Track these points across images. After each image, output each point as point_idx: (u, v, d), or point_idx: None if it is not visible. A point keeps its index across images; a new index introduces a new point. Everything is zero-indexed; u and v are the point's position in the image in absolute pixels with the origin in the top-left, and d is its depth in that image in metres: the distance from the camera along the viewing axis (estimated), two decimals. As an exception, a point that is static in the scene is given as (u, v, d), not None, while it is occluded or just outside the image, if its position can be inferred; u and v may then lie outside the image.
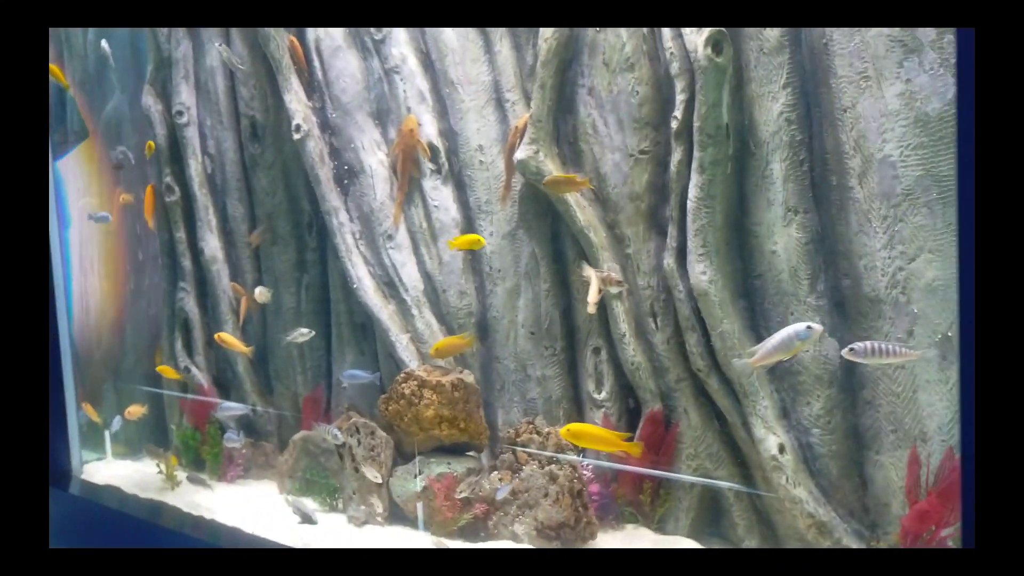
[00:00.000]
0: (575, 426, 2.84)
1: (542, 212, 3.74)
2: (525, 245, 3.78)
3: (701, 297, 3.22)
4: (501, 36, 3.80)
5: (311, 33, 4.22)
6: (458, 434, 3.50)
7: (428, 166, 4.01)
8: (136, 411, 4.63)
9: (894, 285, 2.88)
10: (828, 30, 3.01)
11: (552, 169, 3.56)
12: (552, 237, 3.75)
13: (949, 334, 2.80)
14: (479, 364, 3.90)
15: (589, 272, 3.34)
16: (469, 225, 3.97)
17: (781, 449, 3.06)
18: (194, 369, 4.66)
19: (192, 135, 4.63)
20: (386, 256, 4.05)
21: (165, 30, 4.60)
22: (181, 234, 4.72)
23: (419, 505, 3.32)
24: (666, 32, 3.29)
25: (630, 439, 3.07)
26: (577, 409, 3.71)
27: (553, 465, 3.20)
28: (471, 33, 3.87)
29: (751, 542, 3.25)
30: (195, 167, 4.62)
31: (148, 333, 5.10)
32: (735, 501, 3.29)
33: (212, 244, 4.61)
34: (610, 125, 3.52)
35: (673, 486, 3.38)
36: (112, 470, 4.70)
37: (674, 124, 3.27)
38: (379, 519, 3.44)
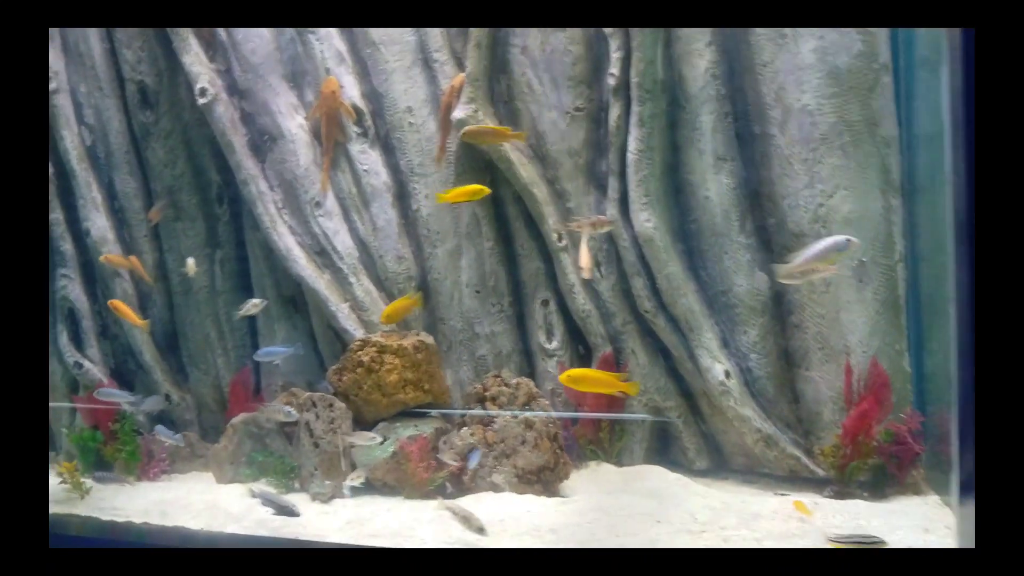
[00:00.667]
0: (574, 372, 2.96)
1: (480, 171, 3.78)
2: (465, 206, 3.81)
3: (647, 243, 3.45)
4: (425, -5, 3.76)
5: (208, -9, 3.91)
6: (422, 396, 3.49)
7: (354, 129, 3.90)
8: None
9: (816, 220, 3.28)
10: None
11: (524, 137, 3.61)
12: (492, 196, 3.81)
13: (863, 260, 3.25)
14: (422, 327, 3.89)
15: (580, 225, 3.37)
16: (401, 189, 3.93)
17: (727, 375, 3.39)
18: (87, 364, 4.21)
19: (64, 103, 4.13)
20: (315, 224, 3.90)
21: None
22: (58, 215, 4.21)
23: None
24: (598, -8, 3.45)
25: (627, 380, 3.22)
26: (527, 361, 3.84)
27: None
28: (392, -9, 3.79)
29: (701, 463, 3.58)
30: (70, 139, 4.13)
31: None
32: (684, 429, 3.60)
33: (99, 224, 4.17)
34: (545, 84, 3.64)
35: (626, 422, 3.62)
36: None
37: (612, 81, 3.46)
38: (346, 492, 3.36)
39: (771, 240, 3.42)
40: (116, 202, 4.23)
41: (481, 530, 2.73)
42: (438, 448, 3.32)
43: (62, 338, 4.25)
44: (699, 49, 3.40)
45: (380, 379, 3.43)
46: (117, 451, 4.04)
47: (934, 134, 2.78)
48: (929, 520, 2.78)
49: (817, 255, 2.61)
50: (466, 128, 3.56)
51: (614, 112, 3.48)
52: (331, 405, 3.42)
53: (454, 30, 3.77)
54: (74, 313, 4.25)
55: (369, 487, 3.45)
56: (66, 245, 4.21)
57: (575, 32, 3.57)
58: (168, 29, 3.89)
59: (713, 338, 3.45)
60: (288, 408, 3.43)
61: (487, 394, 3.41)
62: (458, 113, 3.62)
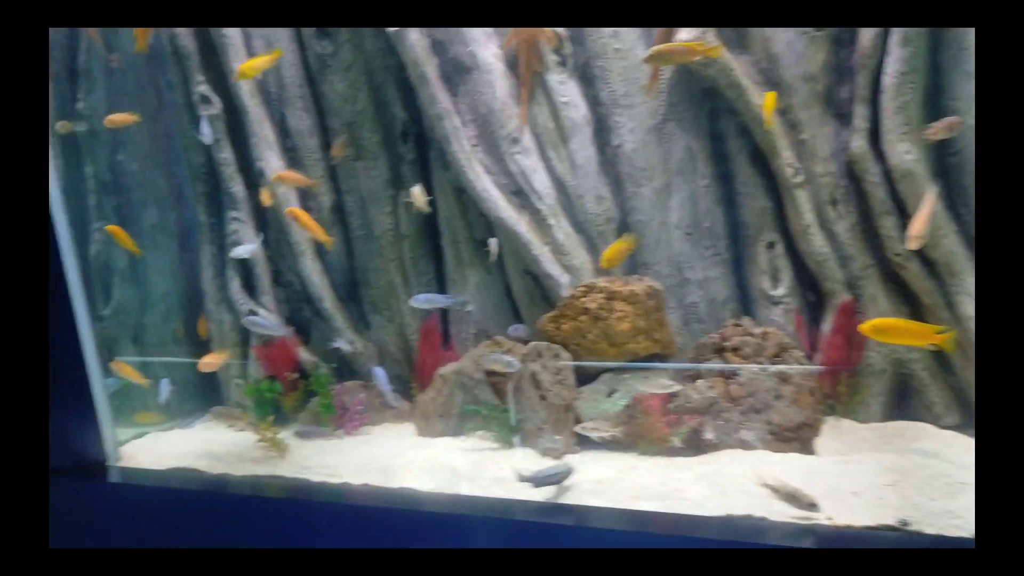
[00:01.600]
0: (880, 321, 2.66)
1: (697, 101, 3.45)
2: (677, 139, 3.49)
3: (905, 177, 3.11)
4: (642, -98, 3.36)
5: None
6: (652, 345, 3.24)
7: (552, 57, 3.57)
8: (215, 361, 3.92)
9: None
10: None
11: (721, 53, 3.26)
12: (710, 131, 3.48)
13: None
14: (621, 272, 3.63)
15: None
16: (601, 123, 3.61)
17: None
18: (262, 311, 4.03)
19: (232, 33, 3.85)
20: (512, 163, 3.62)
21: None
22: (227, 154, 3.98)
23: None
24: None
25: (944, 331, 2.85)
26: (745, 309, 3.56)
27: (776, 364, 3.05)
28: (601, -100, 3.41)
29: (951, 419, 3.29)
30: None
31: (177, 280, 4.37)
32: (931, 382, 3.30)
33: (273, 163, 3.93)
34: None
35: (864, 374, 3.34)
36: (165, 446, 3.79)
37: (872, -7, 3.06)
38: (575, 446, 3.16)
39: (1049, 174, 3.05)
40: (289, 140, 3.98)
41: (813, 506, 2.46)
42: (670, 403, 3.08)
43: (233, 285, 4.07)
44: (974, -45, 2.98)
45: (609, 327, 3.18)
46: (301, 403, 3.90)
47: None
48: None
49: None
50: (652, 50, 3.19)
51: (869, 31, 3.10)
52: (557, 355, 3.19)
53: (673, -58, 3.39)
54: (246, 259, 4.05)
55: (590, 442, 3.23)
56: (236, 187, 3.99)
57: (822, -61, 3.17)
58: (351, -52, 3.55)
59: (974, 283, 3.13)
60: (509, 358, 3.20)
61: (727, 344, 3.15)
62: (683, 35, 3.26)
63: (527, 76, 3.58)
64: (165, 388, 4.04)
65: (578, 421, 3.23)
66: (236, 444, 3.66)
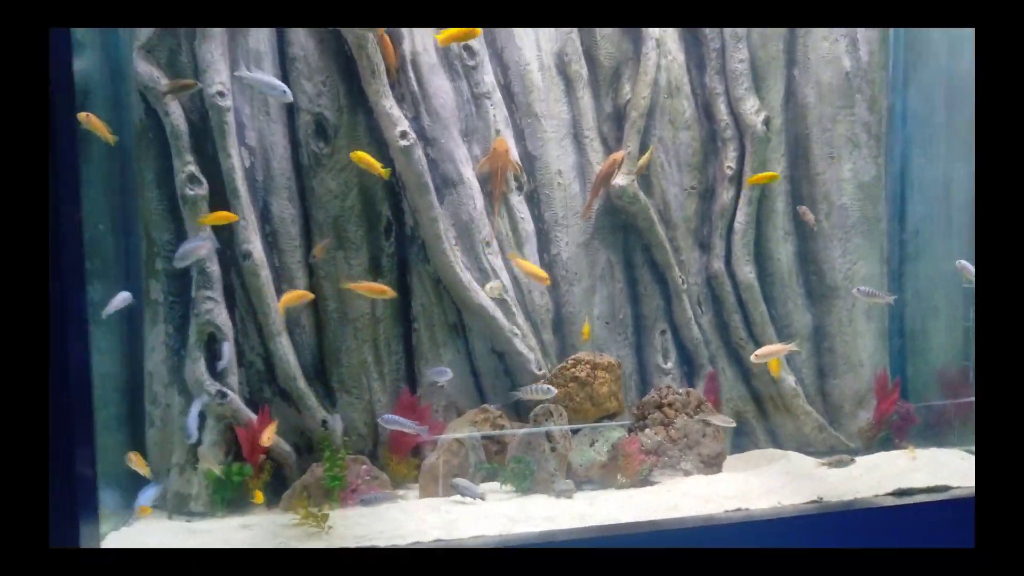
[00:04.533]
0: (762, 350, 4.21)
1: (618, 226, 4.76)
2: (601, 252, 4.74)
3: (746, 289, 4.81)
4: (583, 85, 4.69)
5: (407, 47, 4.29)
6: (619, 405, 4.28)
7: (512, 183, 4.58)
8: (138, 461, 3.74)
9: (845, 278, 4.97)
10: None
11: (640, 196, 4.65)
12: (623, 245, 4.80)
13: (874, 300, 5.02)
14: (555, 352, 4.65)
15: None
16: (545, 236, 4.69)
17: (796, 383, 4.86)
18: (230, 393, 4.01)
19: (230, 122, 4.03)
20: (485, 261, 4.44)
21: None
22: (205, 233, 4.00)
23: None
24: (722, 106, 4.78)
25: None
26: (643, 379, 4.84)
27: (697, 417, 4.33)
28: (555, 76, 4.66)
29: (765, 446, 4.93)
30: (236, 159, 4.02)
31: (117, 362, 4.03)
32: (756, 424, 4.94)
33: (257, 247, 4.09)
34: (671, 166, 4.82)
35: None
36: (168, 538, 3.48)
37: (728, 172, 4.79)
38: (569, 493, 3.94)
39: (814, 292, 5.03)
40: (268, 226, 4.18)
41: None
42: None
43: (198, 366, 3.98)
44: (776, 158, 4.93)
45: (593, 391, 4.16)
46: (267, 485, 3.94)
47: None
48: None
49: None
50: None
51: (728, 193, 4.80)
52: (562, 415, 4.05)
53: (603, 114, 4.75)
54: (214, 338, 4.02)
55: (587, 483, 4.09)
56: (213, 266, 4.01)
57: (696, 132, 4.84)
58: (363, 75, 4.14)
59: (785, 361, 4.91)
60: (547, 386, 3.94)
61: (664, 400, 4.37)
62: (621, 180, 4.58)
63: (497, 194, 4.50)
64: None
65: (568, 468, 4.09)
66: (244, 529, 3.62)
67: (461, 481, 3.84)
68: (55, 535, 2.64)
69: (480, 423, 4.17)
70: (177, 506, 3.95)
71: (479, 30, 4.16)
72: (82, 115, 3.48)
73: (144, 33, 3.95)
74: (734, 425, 4.49)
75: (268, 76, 3.91)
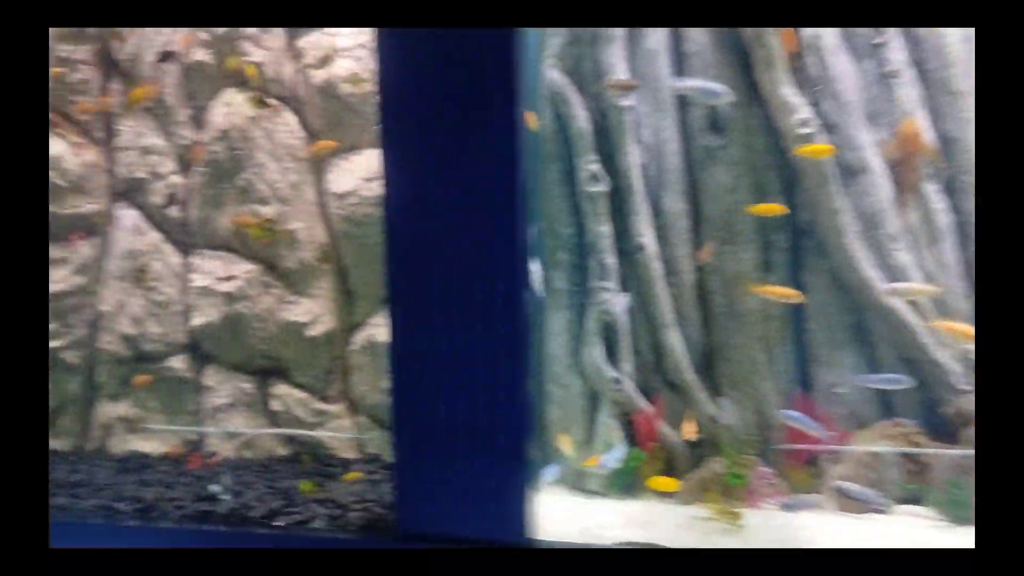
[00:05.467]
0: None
1: (1063, 218, 3.98)
2: (1039, 249, 3.98)
3: None
4: (1018, 52, 4.02)
5: (805, 31, 4.11)
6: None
7: (925, 170, 4.08)
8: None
9: None
10: None
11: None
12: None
13: None
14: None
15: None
16: (960, 229, 4.09)
17: None
18: (625, 380, 4.15)
19: (629, 121, 4.21)
20: (892, 258, 4.01)
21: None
22: (605, 228, 4.22)
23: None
24: None
25: None
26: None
27: None
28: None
29: None
30: (633, 157, 4.19)
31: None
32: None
33: (650, 240, 4.20)
34: None
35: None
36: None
37: None
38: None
39: None
40: (659, 219, 4.27)
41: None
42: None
43: (595, 352, 4.20)
44: None
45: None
46: (663, 474, 3.95)
47: None
48: None
49: None
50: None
51: None
52: None
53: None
54: (609, 328, 4.21)
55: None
56: (610, 259, 4.21)
57: None
58: (759, 65, 4.03)
59: None
60: None
61: None
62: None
63: (908, 183, 4.05)
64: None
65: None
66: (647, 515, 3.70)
67: (854, 487, 3.48)
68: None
69: (894, 438, 3.74)
70: (575, 483, 4.18)
71: None
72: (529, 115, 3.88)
73: (554, 44, 4.32)
74: None
75: (702, 81, 3.98)
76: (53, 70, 4.33)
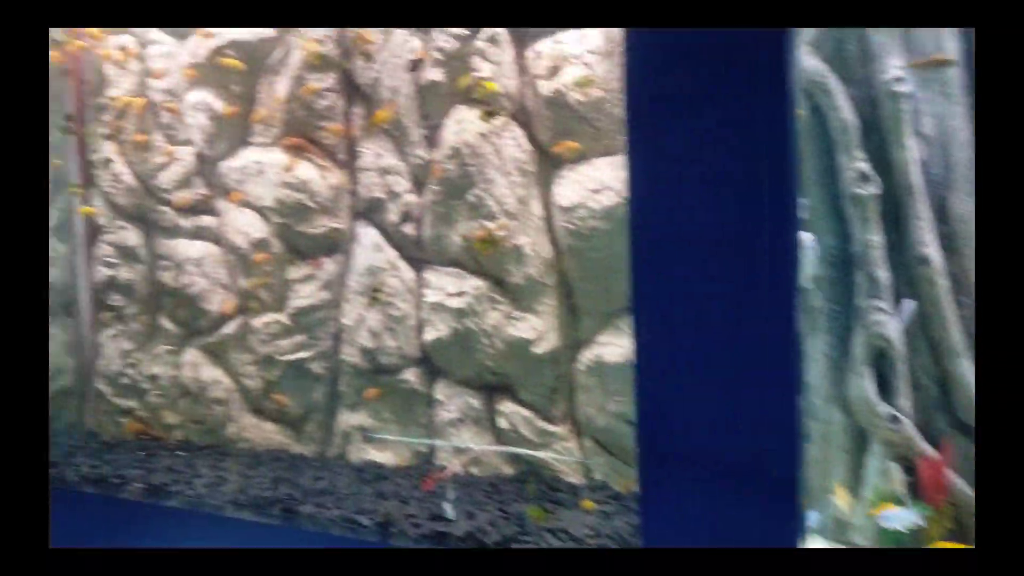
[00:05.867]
0: None
1: None
2: None
3: None
4: None
5: None
6: None
7: None
8: None
9: None
10: None
11: None
12: None
13: None
14: None
15: None
16: None
17: None
18: (903, 419, 3.50)
19: (907, 110, 3.59)
20: None
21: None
22: (875, 236, 3.62)
23: None
24: None
25: None
26: None
27: None
28: None
29: None
30: (913, 151, 3.56)
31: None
32: None
33: (935, 251, 3.52)
34: None
35: None
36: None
37: None
38: None
39: None
40: (944, 226, 3.59)
41: None
42: None
43: (864, 382, 3.59)
44: None
45: None
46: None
47: None
48: None
49: None
50: None
51: None
52: None
53: None
54: (883, 355, 3.59)
55: None
56: (883, 272, 3.59)
57: None
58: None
59: None
60: None
61: None
62: None
63: None
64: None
65: None
66: None
67: None
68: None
69: None
70: (835, 533, 3.60)
71: None
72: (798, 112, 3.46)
73: (810, 31, 3.81)
74: None
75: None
76: (304, 93, 4.68)
